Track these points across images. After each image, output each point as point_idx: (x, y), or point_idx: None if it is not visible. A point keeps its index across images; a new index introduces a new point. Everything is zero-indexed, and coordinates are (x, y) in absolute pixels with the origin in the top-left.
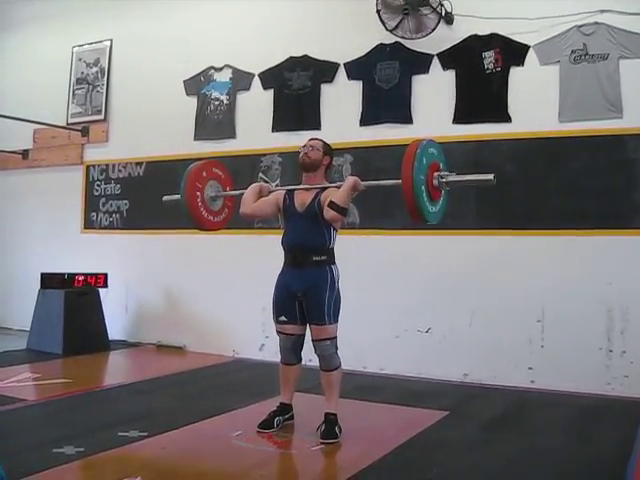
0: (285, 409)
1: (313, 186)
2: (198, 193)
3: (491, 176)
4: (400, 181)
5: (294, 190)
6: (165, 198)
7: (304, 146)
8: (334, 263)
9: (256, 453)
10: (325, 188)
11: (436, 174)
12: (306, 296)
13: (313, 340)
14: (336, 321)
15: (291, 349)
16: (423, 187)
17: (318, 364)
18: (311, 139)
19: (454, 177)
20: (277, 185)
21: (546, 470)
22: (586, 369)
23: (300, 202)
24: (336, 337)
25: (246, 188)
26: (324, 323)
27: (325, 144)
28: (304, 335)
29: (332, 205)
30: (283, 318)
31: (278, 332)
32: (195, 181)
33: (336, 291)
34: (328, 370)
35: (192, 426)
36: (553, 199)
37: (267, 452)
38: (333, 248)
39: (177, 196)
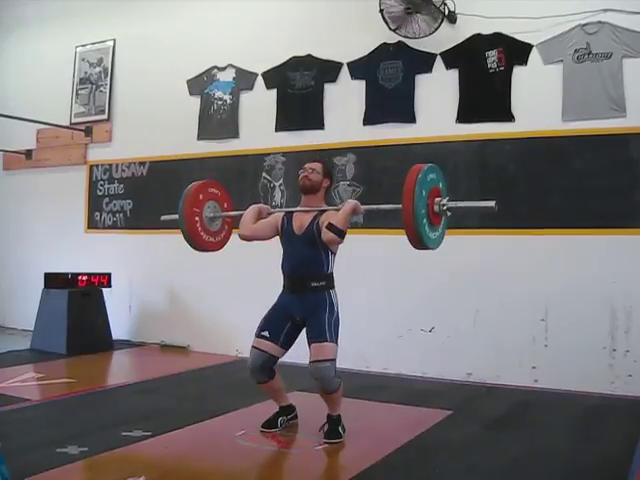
0: (287, 410)
1: (312, 209)
2: (197, 218)
3: (492, 203)
4: (400, 206)
5: (293, 212)
6: (163, 218)
7: (303, 169)
8: (333, 288)
9: (259, 453)
10: (324, 210)
11: (437, 200)
12: (305, 320)
13: (311, 362)
14: (336, 342)
15: (260, 366)
16: (424, 212)
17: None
18: (311, 161)
19: (455, 203)
20: (280, 184)
21: (550, 469)
22: (590, 368)
23: (298, 225)
24: (335, 360)
25: (246, 207)
26: (325, 340)
27: (325, 167)
28: (277, 358)
29: (331, 227)
30: (266, 333)
31: (253, 347)
32: (192, 206)
33: (335, 315)
34: (328, 393)
35: (196, 426)
36: (556, 198)
37: (270, 452)
38: (332, 273)
39: (175, 216)
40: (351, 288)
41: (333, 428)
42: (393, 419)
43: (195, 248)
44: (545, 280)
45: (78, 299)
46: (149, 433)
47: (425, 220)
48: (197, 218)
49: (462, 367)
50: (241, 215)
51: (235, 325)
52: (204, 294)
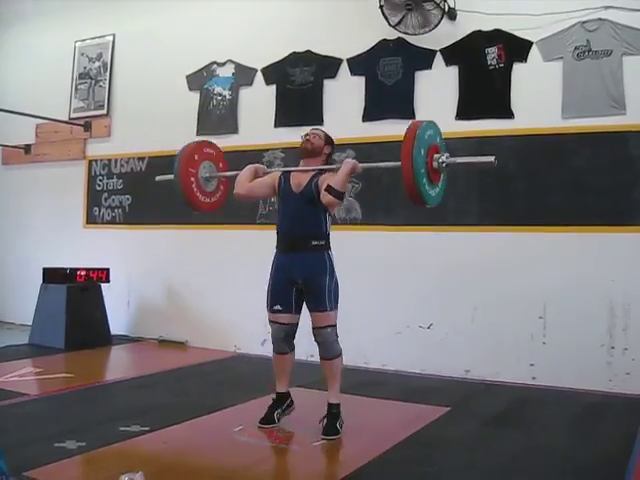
0: (282, 399)
1: (310, 168)
2: (192, 178)
3: (492, 158)
4: (400, 163)
5: (290, 172)
6: (158, 178)
7: (306, 134)
8: (330, 249)
9: (257, 448)
10: (322, 171)
11: (436, 156)
12: (306, 283)
13: (314, 328)
14: (336, 307)
15: (284, 339)
16: (423, 171)
17: (318, 353)
18: (313, 128)
19: (454, 160)
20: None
21: (547, 466)
22: (588, 366)
23: (296, 183)
24: (336, 324)
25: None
26: (325, 309)
27: (327, 134)
28: (297, 324)
29: (330, 189)
30: (278, 307)
31: (271, 322)
32: (188, 166)
33: (334, 277)
34: (329, 358)
35: (193, 421)
36: (555, 196)
37: (268, 447)
38: (329, 234)
39: (170, 176)
40: (350, 285)
41: (332, 423)
42: (391, 415)
43: (191, 208)
44: (543, 277)
45: (77, 294)
46: (147, 428)
47: (425, 178)
48: (193, 179)
49: (460, 364)
50: (237, 175)
51: (233, 321)
52: (203, 290)
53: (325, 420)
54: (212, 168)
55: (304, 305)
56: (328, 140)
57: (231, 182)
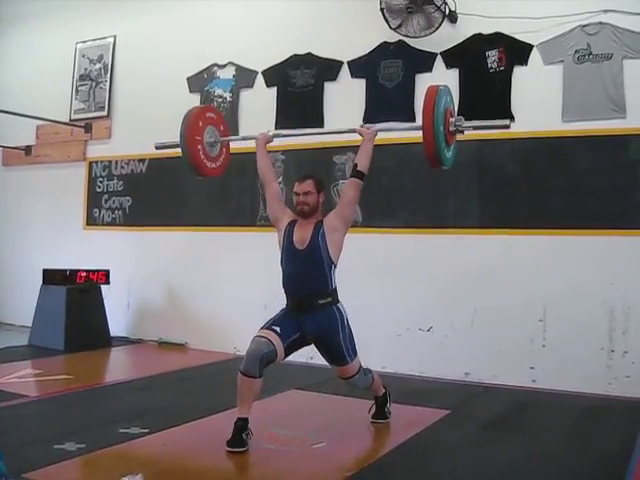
0: (245, 424)
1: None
2: (199, 146)
3: (507, 121)
4: (420, 124)
5: (295, 224)
6: (157, 144)
7: (297, 194)
8: (338, 301)
9: (256, 450)
10: (321, 219)
11: (452, 120)
12: (318, 340)
13: (341, 378)
14: (356, 354)
15: (261, 358)
16: (442, 132)
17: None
18: (300, 182)
19: (469, 123)
20: (280, 182)
21: (547, 470)
22: (588, 369)
23: (299, 239)
24: (361, 366)
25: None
26: (347, 363)
27: (315, 181)
28: (277, 358)
29: (357, 174)
30: (277, 328)
31: (258, 336)
32: (194, 135)
33: (347, 328)
34: (367, 389)
35: (193, 423)
36: (556, 199)
37: (267, 450)
38: (336, 288)
39: (171, 142)
40: (349, 287)
41: (380, 409)
42: (391, 418)
43: (198, 175)
44: (543, 280)
45: (76, 296)
46: (147, 430)
47: (443, 140)
48: (199, 146)
49: (460, 367)
50: (242, 139)
51: (233, 323)
52: (202, 292)
53: (374, 407)
54: (215, 132)
55: (289, 355)
56: (319, 187)
57: (251, 126)
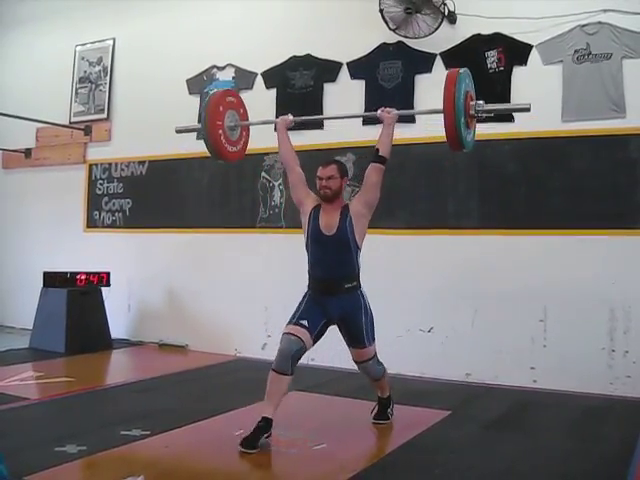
0: (268, 425)
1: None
2: (220, 131)
3: (528, 105)
4: (441, 109)
5: (320, 207)
6: (178, 128)
7: (320, 178)
8: (361, 286)
9: (258, 452)
10: (345, 205)
11: (472, 103)
12: (342, 322)
13: (356, 362)
14: (374, 340)
15: (292, 355)
16: (463, 116)
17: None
18: (324, 167)
19: (489, 106)
20: (279, 184)
21: (548, 470)
22: (588, 369)
23: (326, 224)
24: (376, 354)
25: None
26: (364, 346)
27: (339, 166)
28: (307, 350)
29: (379, 159)
30: (305, 322)
31: (287, 334)
32: (215, 119)
33: (369, 313)
34: (375, 380)
35: (194, 425)
36: (556, 199)
37: (269, 451)
38: (359, 272)
39: (193, 125)
40: None
41: (382, 410)
42: (392, 419)
43: (220, 160)
44: (544, 280)
45: (77, 298)
46: (148, 432)
47: (464, 124)
48: (220, 131)
49: (461, 367)
50: (262, 123)
51: (234, 324)
52: (203, 293)
53: (376, 407)
54: (235, 116)
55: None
56: (343, 172)
57: (251, 128)
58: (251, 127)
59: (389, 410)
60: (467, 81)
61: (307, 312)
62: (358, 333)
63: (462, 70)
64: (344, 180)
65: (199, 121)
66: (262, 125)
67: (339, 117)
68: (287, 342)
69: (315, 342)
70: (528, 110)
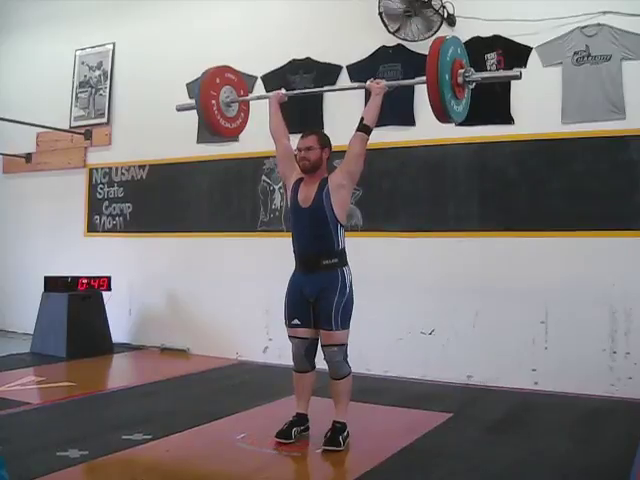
0: (301, 419)
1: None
2: (213, 101)
3: (518, 72)
4: (425, 78)
5: (302, 180)
6: (178, 105)
7: (299, 149)
8: (346, 264)
9: (260, 456)
10: (326, 176)
11: (460, 71)
12: (316, 302)
13: (322, 345)
14: (345, 327)
15: (305, 355)
16: (448, 86)
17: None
18: (303, 138)
19: (479, 74)
20: (280, 187)
21: (550, 472)
22: (590, 370)
23: (303, 197)
24: (345, 344)
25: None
26: (331, 329)
27: (319, 137)
28: (317, 339)
29: (364, 128)
30: (296, 321)
31: (291, 337)
32: (209, 89)
33: (347, 295)
34: (335, 378)
35: (196, 429)
36: (556, 200)
37: (271, 455)
38: (344, 249)
39: (191, 102)
40: None
41: (335, 436)
42: (393, 422)
43: (212, 133)
44: (545, 282)
45: (78, 302)
46: (150, 436)
47: (450, 93)
48: (214, 101)
49: (462, 370)
50: (258, 98)
51: (235, 328)
52: (204, 297)
53: (329, 433)
54: (233, 93)
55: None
56: (323, 143)
57: (252, 109)
58: (250, 129)
59: (342, 437)
60: (455, 48)
61: (293, 310)
62: (327, 313)
63: (449, 37)
64: (325, 151)
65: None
66: (260, 128)
67: (327, 90)
68: (294, 346)
69: (318, 327)
70: (519, 78)
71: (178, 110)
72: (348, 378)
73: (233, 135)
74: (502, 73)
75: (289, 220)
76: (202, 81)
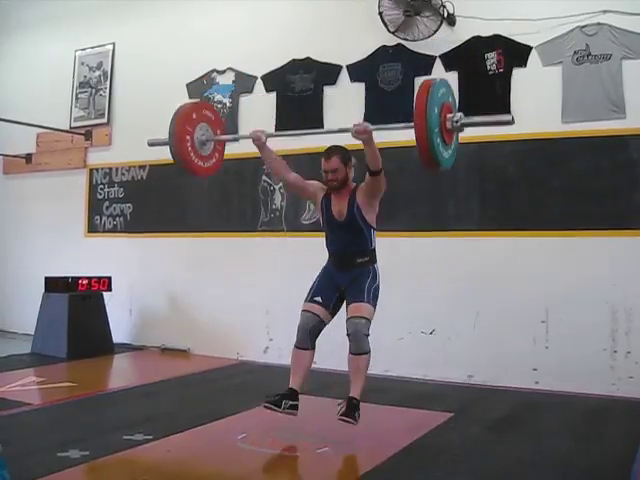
0: (293, 394)
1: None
2: (188, 137)
3: (510, 117)
4: (412, 124)
5: (330, 195)
6: (150, 140)
7: (326, 172)
8: (375, 262)
9: (261, 456)
10: (354, 190)
11: (449, 116)
12: (349, 285)
13: (349, 318)
14: (374, 305)
15: (310, 330)
16: (437, 131)
17: (348, 349)
18: (326, 160)
19: (469, 119)
20: (280, 187)
21: (551, 471)
22: (591, 370)
23: (337, 211)
24: (370, 321)
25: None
26: (362, 300)
27: (341, 155)
28: (325, 324)
29: (371, 174)
30: (318, 299)
31: (304, 311)
32: (185, 124)
33: (377, 283)
34: (358, 353)
35: (197, 429)
36: (556, 200)
37: (272, 455)
38: (375, 248)
39: (164, 138)
40: None
41: (351, 411)
42: (394, 422)
43: (184, 170)
44: (545, 282)
45: (78, 303)
46: (150, 437)
47: (438, 138)
48: (188, 137)
49: (463, 369)
50: (234, 139)
51: (236, 328)
52: (205, 297)
53: (344, 408)
54: (209, 132)
55: (336, 314)
56: (345, 160)
57: (227, 149)
58: (250, 129)
59: (357, 412)
60: (444, 91)
61: (320, 289)
62: (360, 288)
63: (438, 79)
64: (348, 166)
65: None
66: (260, 127)
67: (308, 133)
68: (303, 319)
69: (333, 315)
70: (511, 123)
71: (150, 145)
72: (368, 355)
73: (205, 174)
74: (493, 119)
75: (323, 225)
76: (177, 115)
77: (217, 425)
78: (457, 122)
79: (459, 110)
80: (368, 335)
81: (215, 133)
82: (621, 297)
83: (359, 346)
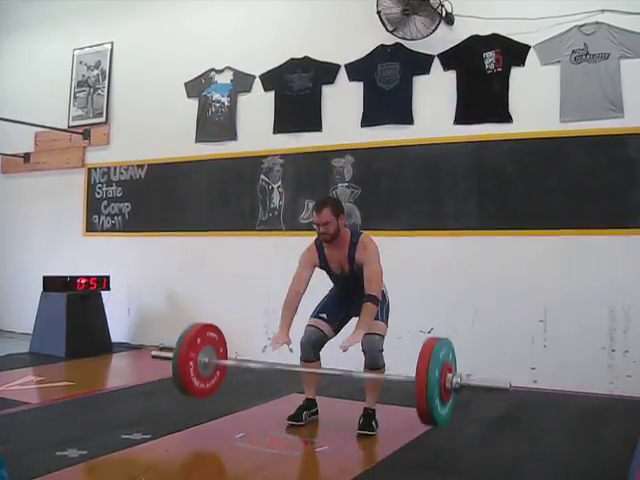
0: (310, 404)
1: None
2: (191, 363)
3: (507, 385)
4: (413, 378)
5: (323, 249)
6: (154, 354)
7: (317, 225)
8: (384, 287)
9: (259, 455)
10: (354, 245)
11: (449, 377)
12: (358, 307)
13: (364, 335)
14: (386, 322)
15: (313, 344)
16: (436, 391)
17: (364, 364)
18: (317, 213)
19: (467, 382)
20: (279, 186)
21: (549, 470)
22: (589, 369)
23: (337, 265)
24: (384, 337)
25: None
26: (377, 318)
27: (332, 208)
28: (329, 339)
29: (371, 299)
30: (324, 315)
31: (308, 326)
32: (189, 350)
33: (387, 302)
34: (373, 368)
35: (195, 428)
36: (554, 199)
37: (270, 454)
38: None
39: (167, 354)
40: None
41: (368, 421)
42: (393, 420)
43: (183, 393)
44: (544, 281)
45: (77, 302)
46: (149, 436)
47: (437, 398)
48: (192, 363)
49: (461, 368)
50: (236, 365)
51: (234, 328)
52: (203, 296)
53: (362, 419)
54: (212, 353)
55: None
56: (337, 211)
57: (228, 371)
58: (248, 128)
59: (374, 421)
60: (446, 350)
61: (327, 307)
62: None
63: (440, 340)
64: (340, 218)
65: None
66: (259, 127)
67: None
68: (307, 332)
69: (337, 331)
70: (508, 390)
71: (153, 358)
72: (383, 370)
73: (202, 395)
74: (491, 384)
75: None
76: (182, 342)
77: (215, 424)
78: (456, 384)
79: (457, 109)
80: (382, 350)
81: (217, 352)
82: (619, 296)
83: (374, 361)
